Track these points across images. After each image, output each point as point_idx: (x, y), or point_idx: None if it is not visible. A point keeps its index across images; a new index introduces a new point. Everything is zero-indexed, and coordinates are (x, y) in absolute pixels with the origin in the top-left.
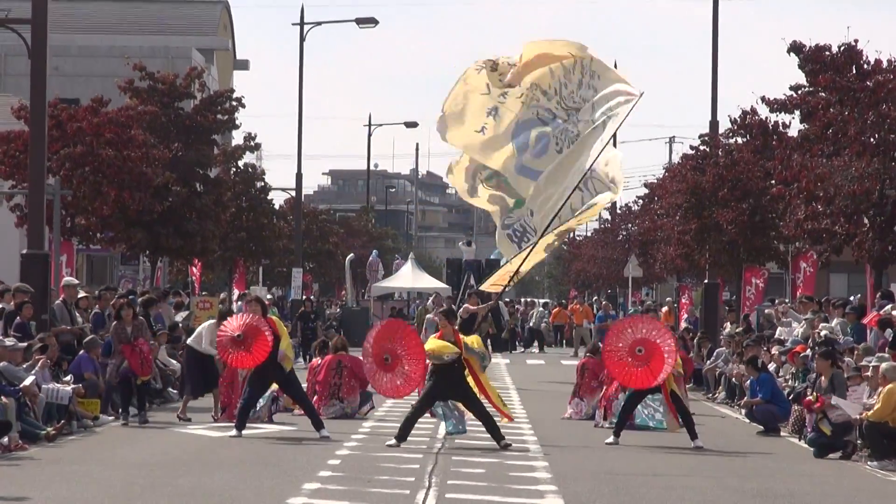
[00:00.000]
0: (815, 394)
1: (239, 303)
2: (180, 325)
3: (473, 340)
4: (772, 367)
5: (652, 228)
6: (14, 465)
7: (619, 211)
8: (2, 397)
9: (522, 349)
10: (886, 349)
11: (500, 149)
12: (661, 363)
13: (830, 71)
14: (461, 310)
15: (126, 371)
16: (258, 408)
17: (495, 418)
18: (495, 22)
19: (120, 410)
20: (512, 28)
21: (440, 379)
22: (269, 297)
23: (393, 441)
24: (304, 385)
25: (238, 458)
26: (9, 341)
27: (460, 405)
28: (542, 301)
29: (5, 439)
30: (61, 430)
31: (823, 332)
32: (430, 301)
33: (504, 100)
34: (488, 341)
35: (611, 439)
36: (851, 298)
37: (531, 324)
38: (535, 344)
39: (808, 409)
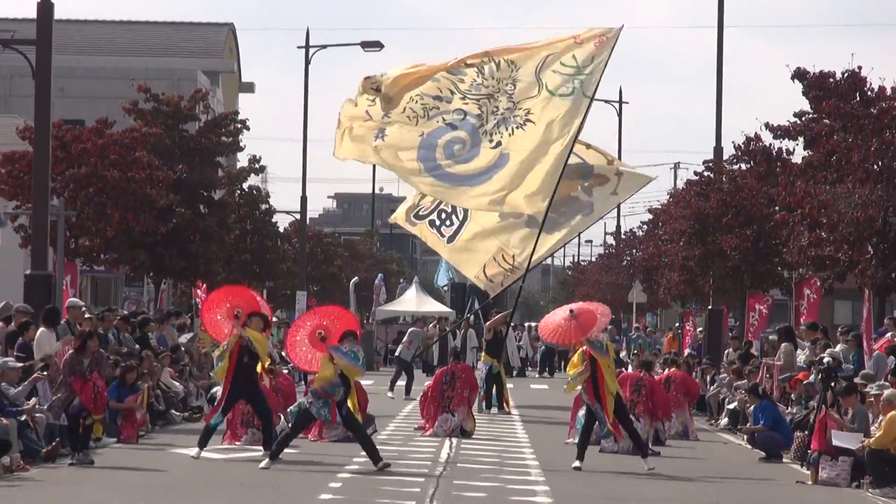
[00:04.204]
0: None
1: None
2: (183, 347)
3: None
4: (774, 393)
5: (656, 254)
6: (15, 486)
7: (623, 236)
8: (2, 418)
9: (548, 374)
10: (888, 377)
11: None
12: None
13: (834, 97)
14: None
15: (77, 409)
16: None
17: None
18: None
19: (69, 449)
20: None
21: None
22: (273, 319)
23: (266, 462)
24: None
25: (238, 481)
26: (12, 362)
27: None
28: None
29: (6, 459)
30: (56, 448)
31: (826, 360)
32: (430, 325)
33: (389, 119)
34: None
35: (576, 463)
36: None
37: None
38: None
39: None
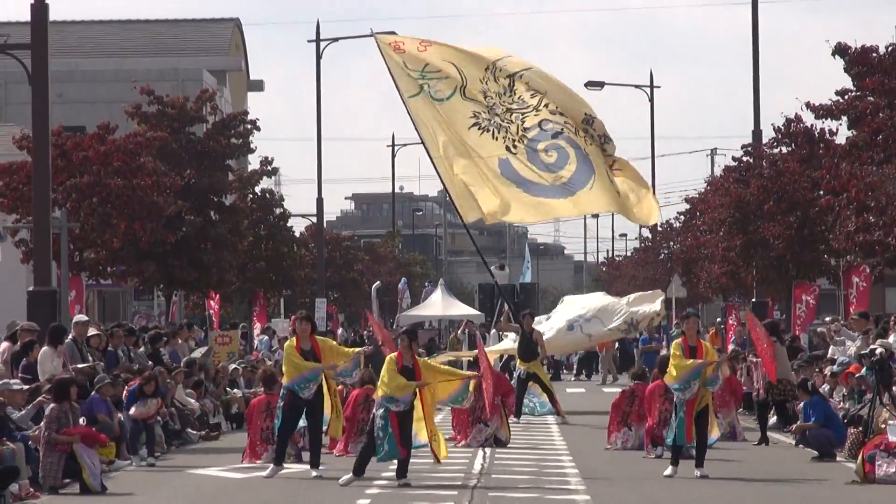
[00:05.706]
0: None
1: (263, 336)
2: (197, 362)
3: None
4: (825, 388)
5: (695, 246)
6: None
7: (659, 228)
8: (9, 443)
9: (585, 377)
10: None
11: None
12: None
13: (878, 73)
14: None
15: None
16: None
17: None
18: (519, 34)
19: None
20: (538, 40)
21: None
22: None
23: (349, 476)
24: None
25: (261, 500)
26: (15, 384)
27: None
28: None
29: (15, 487)
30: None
31: (879, 350)
32: (460, 330)
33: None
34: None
35: (669, 470)
36: None
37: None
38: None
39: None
